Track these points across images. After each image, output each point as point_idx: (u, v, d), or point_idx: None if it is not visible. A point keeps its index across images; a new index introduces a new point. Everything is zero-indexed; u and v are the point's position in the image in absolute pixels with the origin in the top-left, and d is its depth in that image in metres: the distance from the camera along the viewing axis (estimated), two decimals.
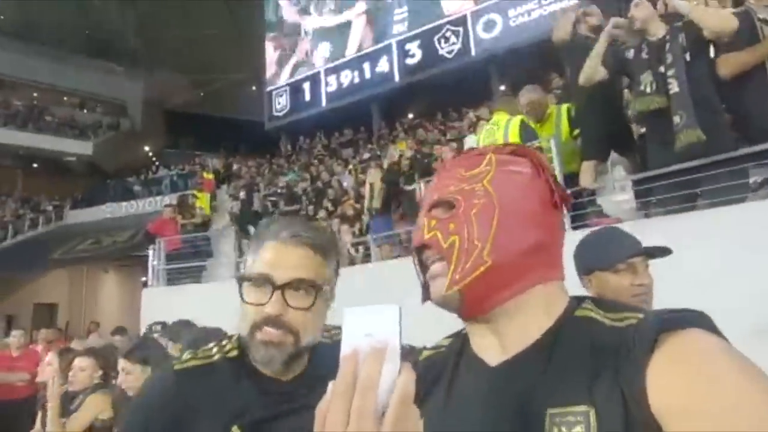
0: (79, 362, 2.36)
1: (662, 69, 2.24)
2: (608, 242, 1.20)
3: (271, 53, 16.13)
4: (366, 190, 5.76)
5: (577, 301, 0.55)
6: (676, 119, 2.18)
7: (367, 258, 5.13)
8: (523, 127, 3.08)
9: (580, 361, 0.47)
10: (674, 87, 2.20)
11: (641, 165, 2.76)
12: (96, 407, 2.26)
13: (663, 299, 2.06)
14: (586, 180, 2.90)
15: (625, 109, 3.10)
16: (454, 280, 0.52)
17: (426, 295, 0.56)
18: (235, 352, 0.79)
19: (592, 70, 2.49)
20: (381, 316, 0.40)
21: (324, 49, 14.65)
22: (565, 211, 2.80)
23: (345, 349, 0.40)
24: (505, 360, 0.53)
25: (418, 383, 0.52)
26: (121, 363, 2.25)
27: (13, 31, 19.52)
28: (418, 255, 0.57)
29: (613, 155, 3.58)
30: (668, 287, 2.25)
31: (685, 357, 0.42)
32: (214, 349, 0.81)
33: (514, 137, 3.06)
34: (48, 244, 14.53)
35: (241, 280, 0.75)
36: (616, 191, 3.67)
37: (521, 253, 0.53)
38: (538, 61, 8.73)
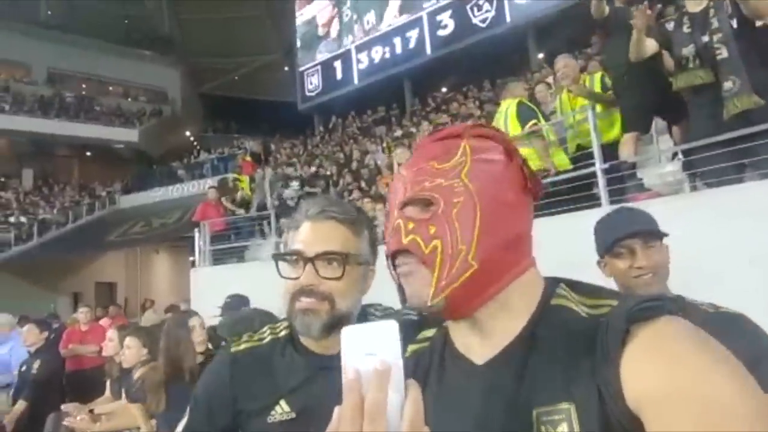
0: (126, 341, 2.57)
1: (706, 39, 2.10)
2: (606, 225, 1.16)
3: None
4: (395, 170, 5.77)
5: (553, 284, 0.53)
6: (728, 85, 2.06)
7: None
8: (520, 107, 3.08)
9: (559, 356, 0.46)
10: (723, 53, 2.06)
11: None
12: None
13: (711, 274, 2.00)
14: (626, 152, 2.79)
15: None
16: (440, 288, 0.49)
17: (404, 300, 0.53)
18: (285, 332, 0.87)
19: (638, 45, 2.36)
20: (380, 334, 0.39)
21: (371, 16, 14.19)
22: (602, 184, 2.72)
23: (347, 372, 0.39)
24: (490, 359, 0.51)
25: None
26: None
27: (59, 25, 20.51)
28: (394, 259, 0.53)
29: (659, 124, 3.40)
30: (716, 262, 2.17)
31: (656, 346, 0.41)
32: (267, 332, 0.89)
33: (512, 121, 3.05)
34: (104, 228, 15.59)
35: (276, 258, 0.81)
36: (661, 163, 3.50)
37: (504, 250, 0.51)
38: (578, 25, 8.24)
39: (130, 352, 2.47)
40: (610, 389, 0.42)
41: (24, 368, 3.72)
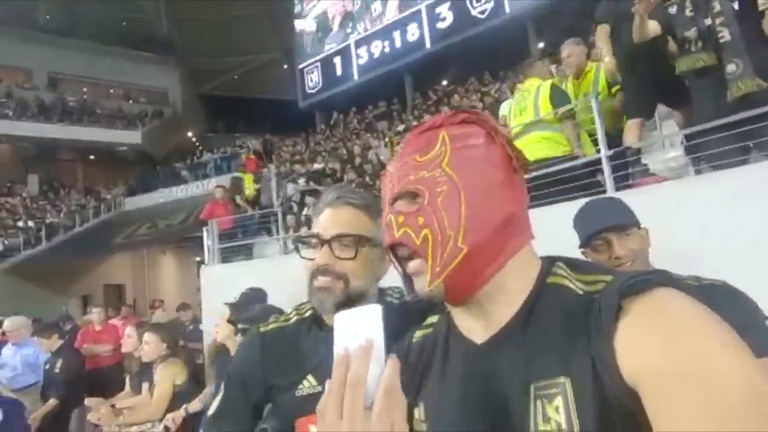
0: (145, 337, 2.65)
1: (708, 21, 2.11)
2: (581, 220, 1.20)
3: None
4: None
5: (549, 263, 0.54)
6: (731, 68, 2.07)
7: None
8: (555, 90, 2.97)
9: (555, 332, 0.47)
10: (725, 35, 2.07)
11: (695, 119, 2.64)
12: (171, 375, 2.54)
13: (717, 258, 2.02)
14: (630, 138, 2.80)
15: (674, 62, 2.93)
16: (435, 273, 0.51)
17: (411, 290, 0.55)
18: (310, 312, 0.93)
19: (641, 28, 2.36)
20: (365, 317, 0.45)
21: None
22: (608, 171, 2.73)
23: (338, 350, 0.45)
24: (489, 338, 0.53)
25: (413, 367, 0.59)
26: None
27: (58, 29, 20.57)
28: (393, 251, 0.56)
29: (662, 110, 3.41)
30: (722, 245, 2.20)
31: (650, 319, 0.42)
32: (293, 313, 0.95)
33: (545, 102, 2.96)
34: (110, 230, 15.71)
35: (296, 241, 0.88)
36: (666, 148, 3.51)
37: (494, 231, 0.52)
38: (578, 13, 8.21)
39: (150, 347, 2.53)
40: (605, 364, 0.42)
41: (48, 366, 3.82)
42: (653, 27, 2.39)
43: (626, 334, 0.42)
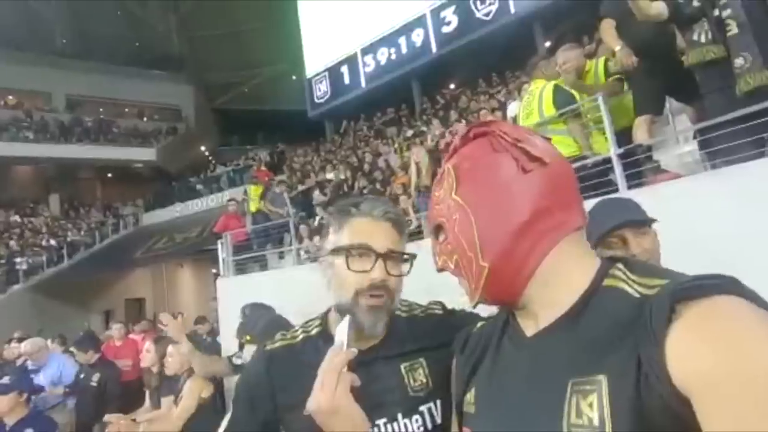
0: (169, 350, 2.65)
1: (717, 13, 2.07)
2: (596, 216, 1.17)
3: None
4: (412, 169, 5.78)
5: (609, 264, 0.54)
6: (739, 62, 2.02)
7: (410, 237, 5.21)
8: (557, 91, 2.93)
9: (602, 332, 0.47)
10: (733, 28, 2.03)
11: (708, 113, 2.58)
12: (198, 389, 2.53)
13: (735, 254, 1.97)
14: (640, 136, 2.76)
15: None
16: (473, 291, 0.58)
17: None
18: (317, 330, 0.90)
19: (639, 5, 2.29)
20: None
21: None
22: (619, 170, 2.67)
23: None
24: (537, 331, 0.55)
25: (468, 356, 0.68)
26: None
27: (74, 52, 21.21)
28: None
29: (675, 105, 3.34)
30: (739, 242, 2.13)
31: (704, 324, 0.40)
32: (299, 330, 0.93)
33: (548, 104, 2.94)
34: (130, 246, 16.01)
35: (342, 251, 0.81)
36: (679, 144, 3.44)
37: (513, 239, 0.53)
38: (585, 11, 8.13)
39: (174, 360, 2.53)
40: (654, 368, 0.41)
41: (83, 377, 3.85)
42: (657, 6, 2.31)
43: (678, 338, 0.41)
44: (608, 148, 3.00)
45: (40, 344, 4.13)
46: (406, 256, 0.84)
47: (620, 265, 0.53)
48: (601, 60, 3.22)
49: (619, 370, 0.44)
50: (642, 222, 1.13)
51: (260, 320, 1.82)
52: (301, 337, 0.91)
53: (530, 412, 0.51)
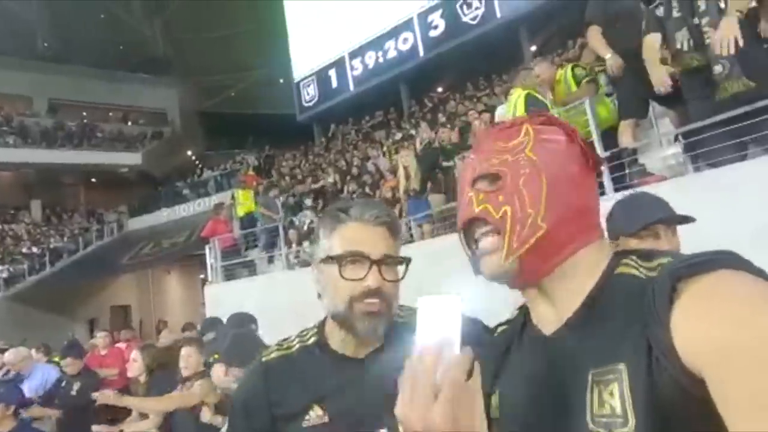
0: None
1: (696, 21, 2.12)
2: (632, 208, 1.22)
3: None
4: (400, 173, 5.78)
5: (619, 257, 0.55)
6: (718, 69, 2.07)
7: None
8: (529, 100, 3.03)
9: (617, 319, 0.48)
10: (711, 36, 2.07)
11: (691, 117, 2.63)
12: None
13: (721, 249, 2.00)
14: (625, 139, 2.81)
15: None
16: (513, 248, 0.53)
17: (477, 270, 0.57)
18: (313, 339, 0.89)
19: (596, 48, 2.43)
20: (445, 306, 0.46)
21: None
22: (606, 173, 2.73)
23: (420, 335, 0.46)
24: (557, 328, 0.54)
25: (491, 359, 0.62)
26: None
27: (56, 56, 20.83)
28: (467, 231, 0.58)
29: (658, 109, 3.41)
30: (724, 242, 2.17)
31: (707, 298, 0.40)
32: (295, 340, 0.91)
33: (520, 111, 3.02)
34: (115, 252, 15.74)
35: (335, 259, 0.79)
36: (663, 147, 3.50)
37: (570, 217, 0.54)
38: (570, 15, 8.26)
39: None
40: (661, 348, 0.42)
41: (64, 385, 3.77)
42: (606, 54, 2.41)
43: (682, 315, 0.41)
44: None
45: (23, 354, 4.02)
46: (401, 261, 0.83)
47: (632, 256, 0.54)
48: (569, 67, 3.36)
49: (634, 356, 0.44)
50: (679, 220, 1.17)
51: (226, 337, 1.72)
52: (297, 346, 0.89)
53: (555, 410, 0.51)
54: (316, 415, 0.81)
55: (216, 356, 1.62)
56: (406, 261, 0.83)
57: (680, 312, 0.42)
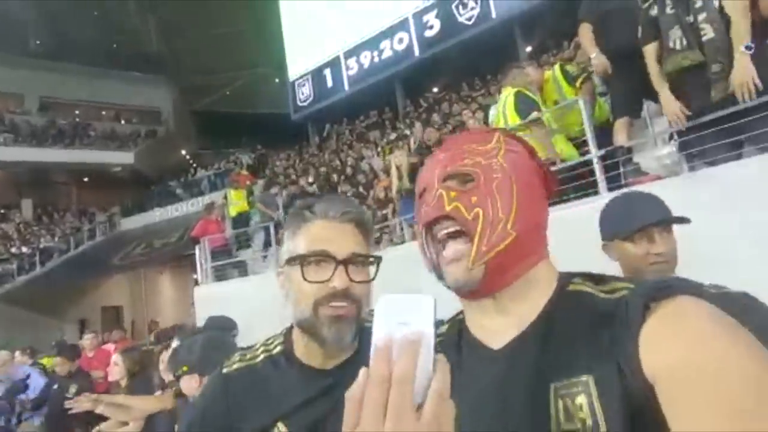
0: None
1: (690, 18, 2.06)
2: (624, 209, 1.16)
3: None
4: (393, 173, 5.73)
5: (567, 276, 0.56)
6: (715, 68, 2.02)
7: (393, 243, 5.16)
8: (519, 98, 2.99)
9: (577, 333, 0.48)
10: (708, 33, 2.02)
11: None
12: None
13: (717, 254, 1.96)
14: (620, 138, 2.76)
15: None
16: (481, 253, 0.52)
17: (440, 275, 0.55)
18: (279, 348, 0.82)
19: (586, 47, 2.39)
20: (416, 306, 0.39)
21: None
22: (599, 172, 2.68)
23: (378, 337, 0.38)
24: (507, 343, 0.53)
25: None
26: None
27: (48, 53, 20.61)
28: (431, 230, 0.55)
29: (653, 107, 3.37)
30: (720, 243, 2.14)
31: (673, 320, 0.43)
32: (260, 349, 0.84)
33: (510, 110, 2.99)
34: (107, 252, 15.59)
35: (297, 259, 0.73)
36: (657, 146, 3.46)
37: (533, 229, 0.55)
38: (564, 16, 8.25)
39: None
40: (629, 362, 0.44)
41: (57, 388, 3.68)
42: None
43: (650, 332, 0.44)
44: (573, 152, 3.06)
45: (4, 357, 3.92)
46: (371, 259, 0.77)
47: (578, 276, 0.55)
48: (557, 66, 3.33)
49: (603, 369, 0.45)
50: (674, 221, 1.12)
51: (194, 345, 1.56)
52: (261, 356, 0.83)
53: (512, 425, 0.48)
54: None
55: (185, 368, 1.49)
56: (377, 260, 0.77)
57: (648, 329, 0.44)
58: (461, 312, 0.62)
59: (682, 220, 1.13)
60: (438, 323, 0.40)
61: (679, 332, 0.42)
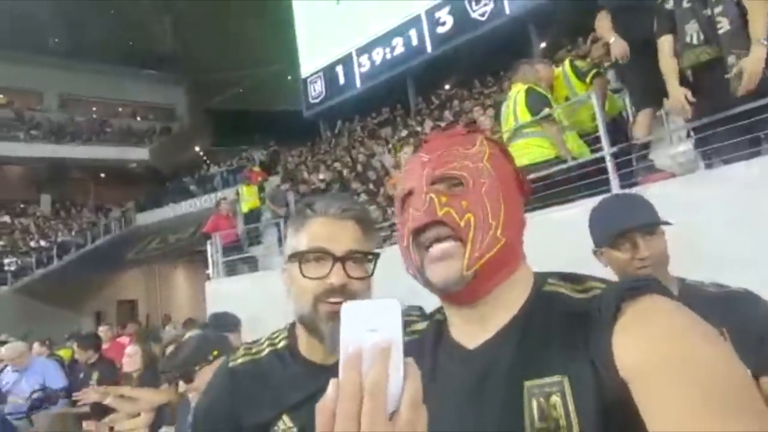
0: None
1: (707, 12, 2.01)
2: (606, 215, 1.13)
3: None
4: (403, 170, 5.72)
5: (542, 277, 0.56)
6: (731, 60, 1.96)
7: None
8: (530, 94, 2.92)
9: (552, 333, 0.49)
10: (725, 25, 1.97)
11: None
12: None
13: (735, 254, 1.91)
14: (641, 131, 2.67)
15: None
16: (474, 258, 0.51)
17: (425, 280, 0.54)
18: (284, 342, 0.83)
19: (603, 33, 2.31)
20: (383, 312, 0.38)
21: None
22: (612, 169, 2.63)
23: (346, 346, 0.37)
24: (482, 342, 0.53)
25: None
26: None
27: (67, 51, 21.01)
28: (419, 235, 0.54)
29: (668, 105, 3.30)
30: (739, 241, 2.09)
31: (645, 319, 0.45)
32: (265, 343, 0.86)
33: (521, 107, 2.92)
34: (122, 246, 15.87)
35: (296, 256, 0.75)
36: (673, 144, 3.39)
37: (517, 234, 0.56)
38: (579, 12, 8.11)
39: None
40: (603, 360, 0.44)
41: (82, 377, 3.74)
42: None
43: (621, 332, 0.45)
44: (584, 150, 3.00)
45: (20, 349, 4.00)
46: (370, 256, 0.77)
47: (552, 278, 0.55)
48: (566, 62, 3.26)
49: (577, 369, 0.46)
50: (649, 225, 1.08)
51: (179, 351, 1.57)
52: (266, 351, 0.84)
53: (485, 422, 0.49)
54: (284, 426, 0.76)
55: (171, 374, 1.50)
56: (375, 256, 0.77)
57: (620, 327, 0.45)
58: (441, 309, 0.61)
59: (665, 223, 1.08)
60: (404, 325, 0.39)
61: (650, 329, 0.43)
